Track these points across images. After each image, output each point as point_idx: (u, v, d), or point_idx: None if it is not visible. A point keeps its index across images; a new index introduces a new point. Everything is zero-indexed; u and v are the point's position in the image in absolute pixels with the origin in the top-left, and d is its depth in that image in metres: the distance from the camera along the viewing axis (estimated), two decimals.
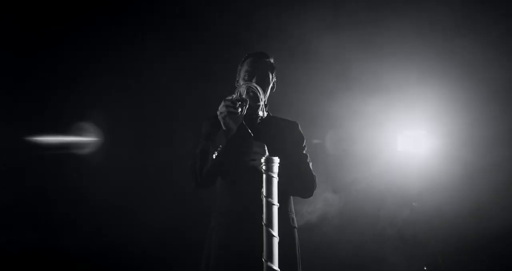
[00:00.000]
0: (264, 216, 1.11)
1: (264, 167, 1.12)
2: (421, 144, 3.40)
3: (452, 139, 3.33)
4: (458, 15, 3.27)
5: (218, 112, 1.56)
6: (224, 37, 3.30)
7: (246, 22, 3.23)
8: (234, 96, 1.51)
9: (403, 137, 3.43)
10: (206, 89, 3.16)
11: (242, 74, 1.84)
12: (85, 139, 3.18)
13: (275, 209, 1.11)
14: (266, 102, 1.88)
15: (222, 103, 1.55)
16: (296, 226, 1.83)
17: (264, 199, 1.12)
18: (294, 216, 1.84)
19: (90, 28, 3.19)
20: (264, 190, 1.12)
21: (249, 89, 1.56)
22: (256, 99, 1.66)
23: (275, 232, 1.08)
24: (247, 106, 1.54)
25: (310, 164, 1.86)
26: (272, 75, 1.87)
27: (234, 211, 1.72)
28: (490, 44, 3.23)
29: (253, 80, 1.78)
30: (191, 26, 3.32)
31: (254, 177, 1.52)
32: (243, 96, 1.53)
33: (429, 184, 3.33)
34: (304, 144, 1.91)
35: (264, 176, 1.12)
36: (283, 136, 1.87)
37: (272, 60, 1.88)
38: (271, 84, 1.87)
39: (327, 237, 3.20)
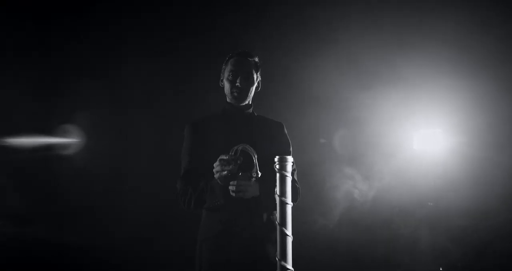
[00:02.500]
0: (277, 215, 1.11)
1: (277, 166, 1.12)
2: (437, 143, 3.35)
3: (469, 138, 3.27)
4: (479, 9, 3.21)
5: (214, 171, 1.56)
6: (216, 37, 3.30)
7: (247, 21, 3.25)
8: (228, 156, 1.53)
9: (419, 135, 3.39)
10: (190, 89, 3.18)
11: (226, 74, 1.82)
12: (68, 140, 3.18)
13: (289, 208, 1.10)
14: (250, 102, 1.87)
15: (217, 162, 1.54)
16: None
17: (277, 198, 1.11)
18: None
19: (79, 29, 3.20)
20: (277, 189, 1.12)
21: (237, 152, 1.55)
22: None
23: (289, 231, 1.08)
24: (241, 163, 1.53)
25: (295, 172, 1.84)
26: (256, 75, 1.85)
27: (221, 223, 1.71)
28: (510, 39, 3.17)
29: (237, 81, 1.77)
30: (177, 26, 3.31)
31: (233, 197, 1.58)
32: (237, 155, 1.53)
33: (446, 183, 3.28)
34: (290, 148, 1.88)
35: (277, 175, 1.12)
36: (270, 136, 1.85)
37: (256, 59, 1.86)
38: (255, 84, 1.85)
39: (341, 236, 3.18)
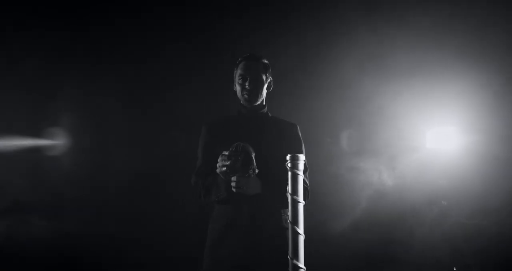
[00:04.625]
0: (289, 213, 1.11)
1: (289, 165, 1.12)
2: (451, 141, 3.30)
3: (484, 136, 3.22)
4: (500, 6, 3.16)
5: (217, 165, 1.66)
6: (222, 36, 3.30)
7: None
8: (228, 152, 1.62)
9: (432, 133, 3.35)
10: (198, 89, 3.19)
11: (236, 78, 1.94)
12: (63, 141, 3.18)
13: (301, 207, 1.10)
14: (264, 103, 1.96)
15: (220, 157, 1.64)
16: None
17: (289, 197, 1.11)
18: (287, 218, 1.83)
19: (76, 28, 3.20)
20: (289, 187, 1.12)
21: (238, 147, 1.64)
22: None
23: (300, 229, 1.08)
24: (241, 159, 1.62)
25: (306, 174, 1.90)
26: (266, 76, 1.93)
27: (227, 217, 1.82)
28: None
29: (246, 84, 1.87)
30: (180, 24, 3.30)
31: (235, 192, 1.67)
32: (238, 150, 1.62)
33: (460, 182, 3.24)
34: (302, 148, 1.94)
35: (289, 173, 1.12)
36: (283, 136, 1.91)
37: (265, 61, 1.94)
38: (265, 84, 1.93)
39: (353, 235, 3.16)
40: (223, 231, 1.81)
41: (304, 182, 1.84)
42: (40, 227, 3.06)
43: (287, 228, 1.77)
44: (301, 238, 1.08)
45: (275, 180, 1.72)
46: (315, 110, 3.25)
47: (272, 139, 1.84)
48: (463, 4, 3.21)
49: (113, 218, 3.12)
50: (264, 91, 1.94)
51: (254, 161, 1.65)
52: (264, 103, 1.96)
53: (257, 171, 1.66)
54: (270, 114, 1.99)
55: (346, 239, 3.14)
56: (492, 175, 3.13)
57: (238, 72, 1.93)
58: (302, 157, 1.12)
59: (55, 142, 3.18)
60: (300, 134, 1.98)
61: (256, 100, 1.91)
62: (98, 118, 3.26)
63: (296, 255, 1.06)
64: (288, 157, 1.12)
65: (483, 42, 3.17)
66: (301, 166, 1.13)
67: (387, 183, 3.21)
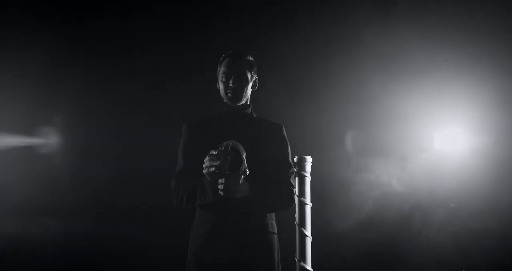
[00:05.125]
0: (296, 215, 1.11)
1: (296, 166, 1.12)
2: (459, 142, 3.28)
3: (493, 137, 3.18)
4: (510, 6, 3.12)
5: (203, 165, 1.56)
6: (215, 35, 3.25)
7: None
8: (217, 151, 1.53)
9: (440, 135, 3.32)
10: (188, 89, 3.13)
11: (220, 76, 1.83)
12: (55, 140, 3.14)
13: (308, 209, 1.10)
14: (248, 102, 1.87)
15: (207, 157, 1.54)
16: (276, 232, 1.73)
17: (296, 198, 1.11)
18: (273, 222, 1.75)
19: (71, 27, 3.18)
20: (296, 189, 1.12)
21: (228, 146, 1.54)
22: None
23: (308, 231, 1.08)
24: (231, 159, 1.52)
25: (293, 177, 1.74)
26: (251, 74, 1.83)
27: (210, 223, 1.71)
28: None
29: (230, 82, 1.78)
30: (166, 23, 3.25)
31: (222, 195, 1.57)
32: (228, 150, 1.52)
33: (468, 184, 3.20)
34: (288, 150, 1.80)
35: (296, 175, 1.12)
36: (268, 138, 1.82)
37: (250, 58, 1.85)
38: (250, 83, 1.83)
39: (361, 237, 3.14)
40: (207, 238, 1.70)
41: (291, 184, 1.70)
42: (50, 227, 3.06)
43: (274, 233, 1.71)
44: (308, 240, 1.08)
45: (262, 183, 1.65)
46: (323, 111, 3.23)
47: (256, 140, 1.72)
48: (476, 3, 3.18)
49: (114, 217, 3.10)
50: (249, 90, 1.84)
51: (245, 161, 1.56)
52: (248, 103, 1.87)
53: (248, 172, 1.56)
54: (254, 115, 1.89)
55: (353, 239, 3.12)
56: (500, 176, 3.10)
57: (221, 69, 1.82)
58: (309, 159, 1.13)
59: (49, 140, 3.17)
60: (286, 135, 1.86)
61: (240, 99, 1.81)
62: (98, 118, 3.21)
63: (303, 257, 1.06)
64: (295, 159, 1.12)
65: (495, 43, 3.13)
66: (308, 167, 1.13)
67: (395, 184, 3.20)
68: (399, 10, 3.23)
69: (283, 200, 1.68)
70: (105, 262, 3.07)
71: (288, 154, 1.79)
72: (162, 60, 3.25)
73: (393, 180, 3.14)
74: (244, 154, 1.54)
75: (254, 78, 1.86)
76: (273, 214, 1.78)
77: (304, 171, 1.07)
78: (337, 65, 3.23)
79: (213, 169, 1.50)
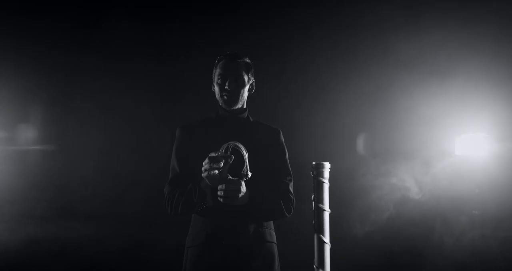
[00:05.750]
0: (314, 222, 1.09)
1: (314, 172, 1.11)
2: (481, 148, 3.20)
3: None
4: None
5: (202, 169, 1.46)
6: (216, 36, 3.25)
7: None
8: (218, 153, 1.43)
9: (461, 140, 3.25)
10: (184, 91, 3.13)
11: (215, 78, 1.76)
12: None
13: (327, 215, 1.09)
14: (245, 106, 1.80)
15: (207, 160, 1.44)
16: (275, 241, 1.73)
17: (313, 205, 1.10)
18: (272, 231, 1.74)
19: (68, 28, 3.19)
20: (314, 195, 1.11)
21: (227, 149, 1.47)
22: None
23: (326, 238, 1.07)
24: (232, 161, 1.44)
25: (291, 184, 1.75)
26: (248, 76, 1.77)
27: (206, 232, 1.65)
28: None
29: (226, 84, 1.71)
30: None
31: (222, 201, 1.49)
32: (228, 153, 1.44)
33: (491, 190, 3.13)
34: (286, 156, 1.80)
35: (314, 181, 1.11)
36: (267, 143, 1.77)
37: (247, 60, 1.78)
38: (247, 86, 1.77)
39: (380, 244, 3.09)
40: (203, 248, 1.64)
41: (290, 192, 1.71)
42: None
43: (273, 242, 1.71)
44: (327, 247, 1.06)
45: (260, 191, 1.62)
46: (342, 113, 3.21)
47: (253, 146, 1.61)
48: (504, 5, 3.11)
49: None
50: (246, 93, 1.77)
51: (247, 163, 1.48)
52: (245, 107, 1.80)
53: (250, 174, 1.48)
54: (251, 119, 1.81)
55: (372, 246, 3.08)
56: None
57: (217, 71, 1.76)
58: (327, 165, 1.11)
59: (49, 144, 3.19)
60: (283, 140, 1.82)
61: (237, 102, 1.74)
62: (97, 119, 3.23)
63: (322, 264, 1.05)
64: (313, 165, 1.11)
65: None
66: (326, 173, 1.12)
67: (415, 190, 3.14)
68: (423, 11, 3.19)
69: (282, 209, 1.66)
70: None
71: (286, 159, 1.78)
72: (159, 61, 3.25)
73: (413, 185, 3.08)
74: (246, 155, 1.47)
75: (251, 81, 1.79)
76: (271, 222, 1.75)
77: (322, 177, 1.06)
78: (355, 67, 3.21)
79: (213, 172, 1.42)
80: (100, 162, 3.16)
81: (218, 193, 1.48)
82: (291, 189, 1.73)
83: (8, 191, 3.01)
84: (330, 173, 1.12)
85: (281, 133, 1.83)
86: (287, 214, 1.69)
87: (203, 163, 1.46)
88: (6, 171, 3.05)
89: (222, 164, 1.42)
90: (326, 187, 1.10)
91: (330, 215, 1.10)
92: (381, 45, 3.18)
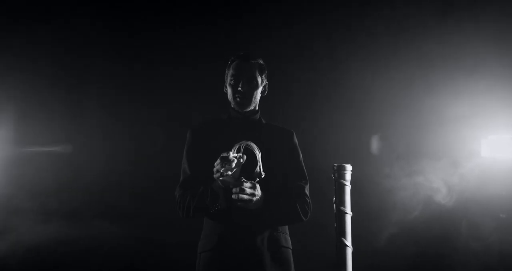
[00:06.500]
0: (335, 225, 1.08)
1: (335, 175, 1.10)
2: (508, 150, 3.10)
3: None
4: None
5: (214, 170, 1.43)
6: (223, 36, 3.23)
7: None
8: (230, 153, 1.40)
9: (487, 142, 3.16)
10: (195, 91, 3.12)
11: (228, 79, 1.74)
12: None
13: (348, 218, 1.08)
14: (257, 108, 1.77)
15: (218, 160, 1.42)
16: (290, 247, 1.69)
17: (335, 208, 1.09)
18: (287, 236, 1.70)
19: (78, 29, 3.20)
20: (335, 198, 1.10)
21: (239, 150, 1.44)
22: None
23: (348, 241, 1.05)
24: (244, 161, 1.42)
25: (307, 187, 1.70)
26: (261, 78, 1.73)
27: (219, 237, 1.61)
28: None
29: (239, 86, 1.67)
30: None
31: (236, 203, 1.47)
32: (240, 153, 1.41)
33: None
34: (300, 158, 1.76)
35: (335, 183, 1.10)
36: (280, 145, 1.73)
37: (260, 61, 1.74)
38: (260, 88, 1.74)
39: (404, 248, 3.03)
40: (215, 253, 1.59)
41: (306, 195, 1.67)
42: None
43: (288, 248, 1.67)
44: (349, 250, 1.05)
45: (275, 194, 1.58)
46: (365, 113, 3.16)
47: (267, 148, 1.59)
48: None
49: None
50: (258, 95, 1.74)
51: (260, 163, 1.45)
52: (257, 109, 1.76)
53: (263, 174, 1.46)
54: (263, 121, 1.78)
55: (395, 250, 3.02)
56: None
57: (230, 72, 1.72)
58: (349, 167, 1.10)
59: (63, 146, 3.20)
60: (297, 142, 1.77)
61: (249, 104, 1.70)
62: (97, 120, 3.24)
63: (343, 268, 1.04)
64: (334, 167, 1.10)
65: None
66: (348, 176, 1.10)
67: (440, 193, 3.07)
68: (449, 9, 3.12)
69: (298, 212, 1.62)
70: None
71: (300, 161, 1.75)
72: (167, 61, 3.24)
73: (438, 188, 3.01)
74: (259, 154, 1.44)
75: (264, 83, 1.76)
76: (286, 227, 1.71)
77: (344, 179, 1.05)
78: (378, 66, 3.16)
79: (225, 172, 1.39)
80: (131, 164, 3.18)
81: (233, 196, 1.45)
82: (307, 191, 1.70)
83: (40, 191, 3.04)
84: (352, 175, 1.11)
85: (295, 135, 1.80)
86: (303, 218, 1.65)
87: (215, 164, 1.43)
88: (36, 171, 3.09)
89: (234, 164, 1.39)
90: (347, 189, 1.09)
91: (352, 218, 1.09)
92: (405, 43, 3.12)
